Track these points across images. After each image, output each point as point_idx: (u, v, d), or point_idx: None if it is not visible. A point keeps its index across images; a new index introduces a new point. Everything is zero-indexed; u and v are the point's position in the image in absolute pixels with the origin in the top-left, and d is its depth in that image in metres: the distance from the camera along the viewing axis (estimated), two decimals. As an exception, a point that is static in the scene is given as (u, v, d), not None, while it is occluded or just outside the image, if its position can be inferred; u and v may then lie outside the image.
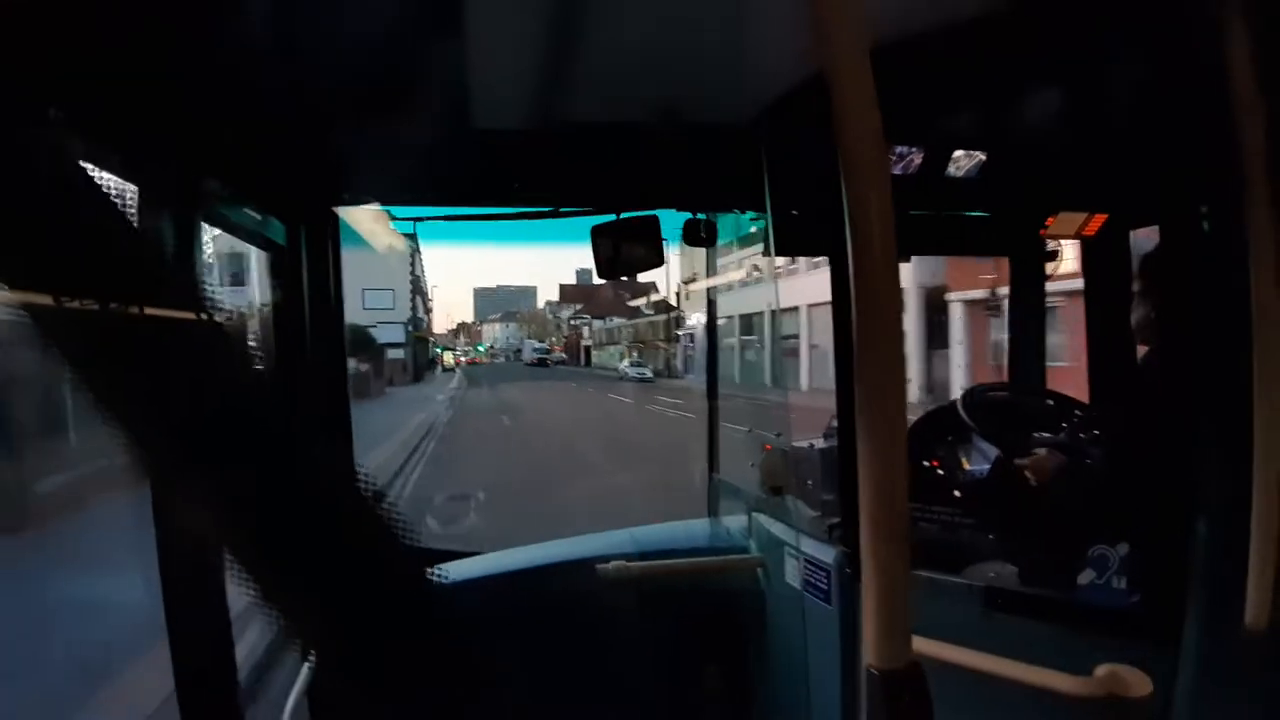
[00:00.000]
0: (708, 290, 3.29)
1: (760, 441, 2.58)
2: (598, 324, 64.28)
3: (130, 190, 1.23)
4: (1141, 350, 2.13)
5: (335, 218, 2.00)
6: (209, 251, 1.56)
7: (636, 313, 52.35)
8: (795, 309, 20.34)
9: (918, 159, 1.86)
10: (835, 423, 2.14)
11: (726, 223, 2.32)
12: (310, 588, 0.52)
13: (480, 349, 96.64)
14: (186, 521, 0.51)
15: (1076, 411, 2.28)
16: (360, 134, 1.74)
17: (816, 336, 20.69)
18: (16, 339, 0.47)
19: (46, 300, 0.46)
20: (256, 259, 1.90)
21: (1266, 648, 1.13)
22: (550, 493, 9.88)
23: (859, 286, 0.67)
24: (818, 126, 0.69)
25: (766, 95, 1.61)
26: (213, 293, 0.54)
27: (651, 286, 46.40)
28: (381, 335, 30.73)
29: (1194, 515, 1.25)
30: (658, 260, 2.11)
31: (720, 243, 2.38)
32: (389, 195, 2.13)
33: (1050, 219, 2.27)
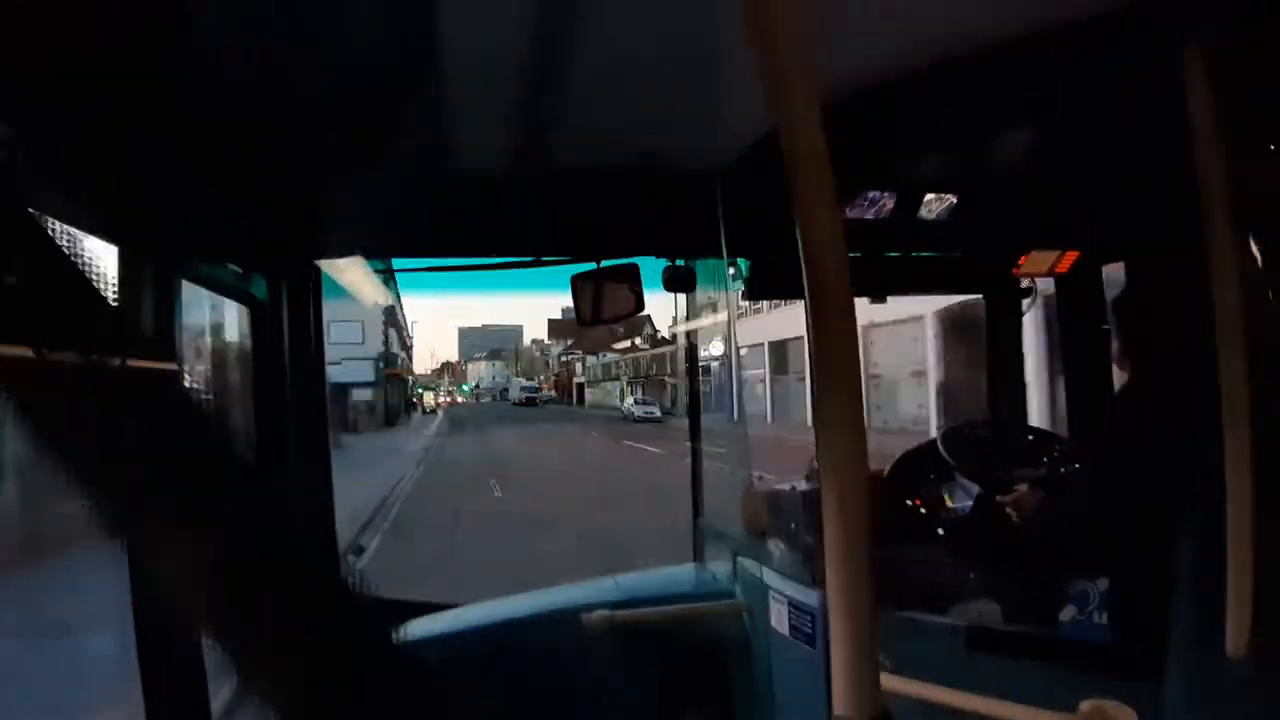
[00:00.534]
0: (686, 332, 3.30)
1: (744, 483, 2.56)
2: (591, 360, 61.43)
3: (109, 250, 1.24)
4: (1119, 383, 2.16)
5: (317, 271, 2.01)
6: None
7: (634, 347, 49.69)
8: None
9: (890, 203, 1.90)
10: (816, 463, 2.14)
11: (706, 267, 2.35)
12: (283, 647, 0.52)
13: (465, 388, 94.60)
14: (163, 581, 0.51)
15: (1056, 446, 2.29)
16: (339, 188, 1.76)
17: (878, 364, 19.63)
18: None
19: (21, 356, 0.46)
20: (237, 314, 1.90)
21: (1248, 676, 1.13)
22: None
23: (817, 332, 0.68)
24: (782, 176, 0.71)
25: (740, 143, 1.65)
26: (193, 350, 0.54)
27: (647, 320, 44.48)
28: (343, 374, 25.58)
29: (1172, 548, 1.26)
30: (638, 306, 2.12)
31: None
32: (370, 248, 2.14)
33: (1023, 258, 2.31)
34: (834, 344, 0.68)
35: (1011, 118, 1.61)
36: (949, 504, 2.23)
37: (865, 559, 0.67)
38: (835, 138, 0.68)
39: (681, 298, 2.67)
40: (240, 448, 0.58)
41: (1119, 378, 2.16)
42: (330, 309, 2.03)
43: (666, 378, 38.82)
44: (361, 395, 31.28)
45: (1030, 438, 2.38)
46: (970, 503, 2.16)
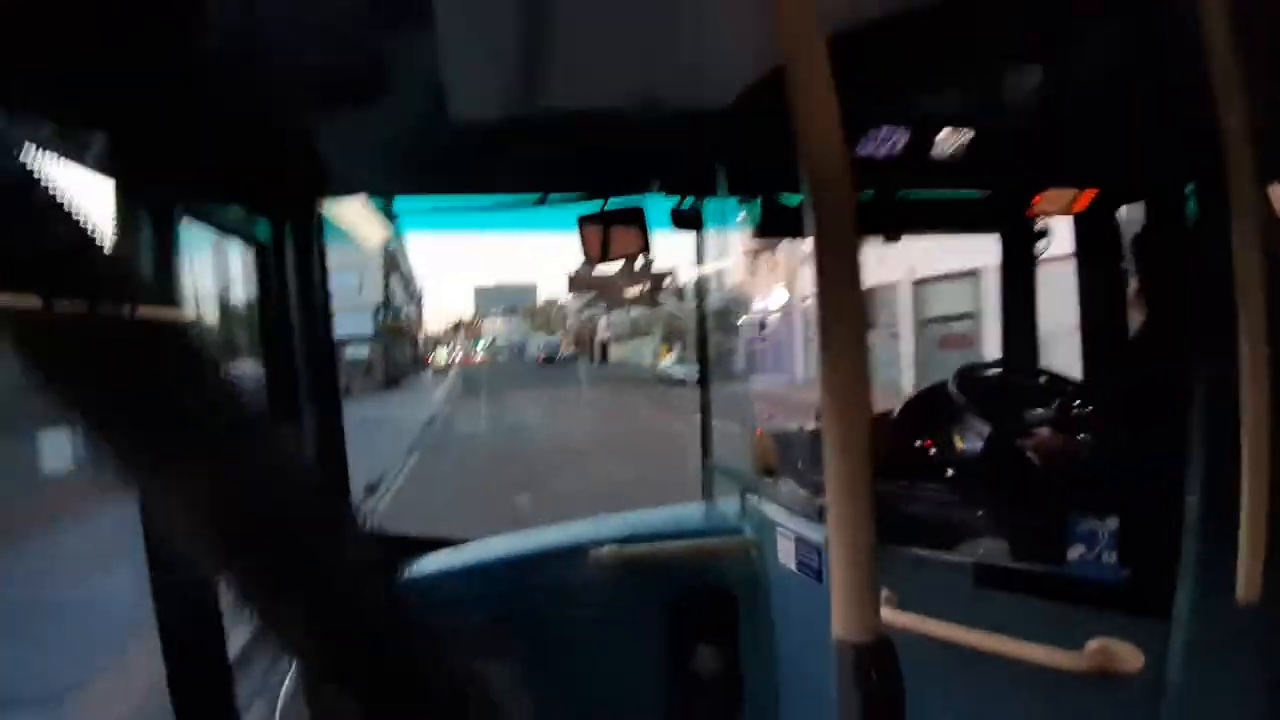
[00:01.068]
0: (699, 277, 3.26)
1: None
2: (618, 315, 55.65)
3: (110, 187, 1.22)
4: (1134, 325, 2.14)
5: (320, 213, 1.99)
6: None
7: (647, 293, 42.64)
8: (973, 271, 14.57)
9: (902, 140, 1.85)
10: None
11: (715, 206, 2.32)
12: (290, 589, 0.52)
13: (479, 345, 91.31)
14: (174, 523, 0.50)
15: (1068, 388, 2.28)
16: (342, 127, 1.73)
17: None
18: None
19: (20, 300, 0.45)
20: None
21: (1257, 621, 1.14)
22: None
23: (821, 271, 0.68)
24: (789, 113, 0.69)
25: (748, 77, 1.61)
26: (196, 290, 0.53)
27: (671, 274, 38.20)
28: (336, 326, 19.74)
29: (1184, 489, 1.26)
30: (645, 246, 2.11)
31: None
32: (373, 187, 2.12)
33: (1038, 196, 2.27)
34: (839, 282, 0.67)
35: (1029, 49, 1.56)
36: (959, 444, 2.23)
37: (865, 482, 0.68)
38: (845, 71, 0.66)
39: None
40: (247, 390, 0.57)
41: (1134, 319, 2.15)
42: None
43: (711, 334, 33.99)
44: (357, 352, 27.03)
45: (1042, 379, 2.37)
46: (981, 443, 2.16)
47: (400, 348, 38.00)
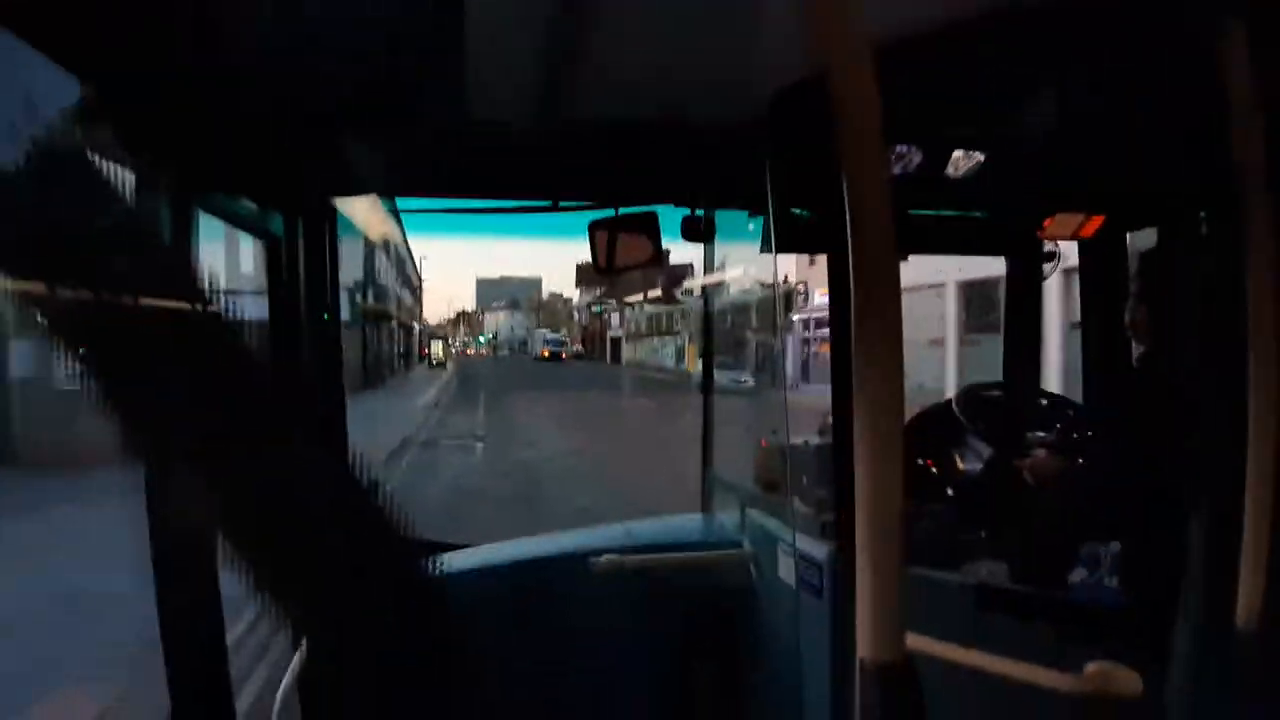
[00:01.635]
0: (703, 286, 3.26)
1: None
2: (632, 310, 50.51)
3: (128, 179, 1.23)
4: (1137, 351, 2.14)
5: (334, 209, 2.00)
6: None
7: (671, 295, 39.50)
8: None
9: (917, 159, 1.86)
10: (830, 419, 2.14)
11: (726, 219, 2.32)
12: (301, 577, 0.52)
13: (481, 340, 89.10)
14: (180, 508, 0.51)
15: (1070, 411, 2.28)
16: (359, 126, 1.74)
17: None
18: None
19: (41, 289, 0.46)
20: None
21: (1257, 646, 1.13)
22: None
23: (859, 284, 0.67)
24: (818, 123, 0.69)
25: (767, 91, 1.61)
26: (209, 283, 0.54)
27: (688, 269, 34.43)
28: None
29: (1186, 514, 1.26)
30: (656, 256, 2.11)
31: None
32: (388, 187, 2.13)
33: (1048, 220, 2.28)
34: (876, 294, 0.67)
35: (1046, 74, 1.57)
36: (960, 464, 2.23)
37: (896, 508, 0.68)
38: None
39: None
40: (255, 382, 0.58)
41: (1138, 345, 2.15)
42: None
43: (750, 332, 27.10)
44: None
45: (1045, 402, 2.37)
46: (982, 465, 2.15)
47: (386, 337, 32.56)
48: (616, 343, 54.78)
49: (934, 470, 2.22)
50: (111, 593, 3.17)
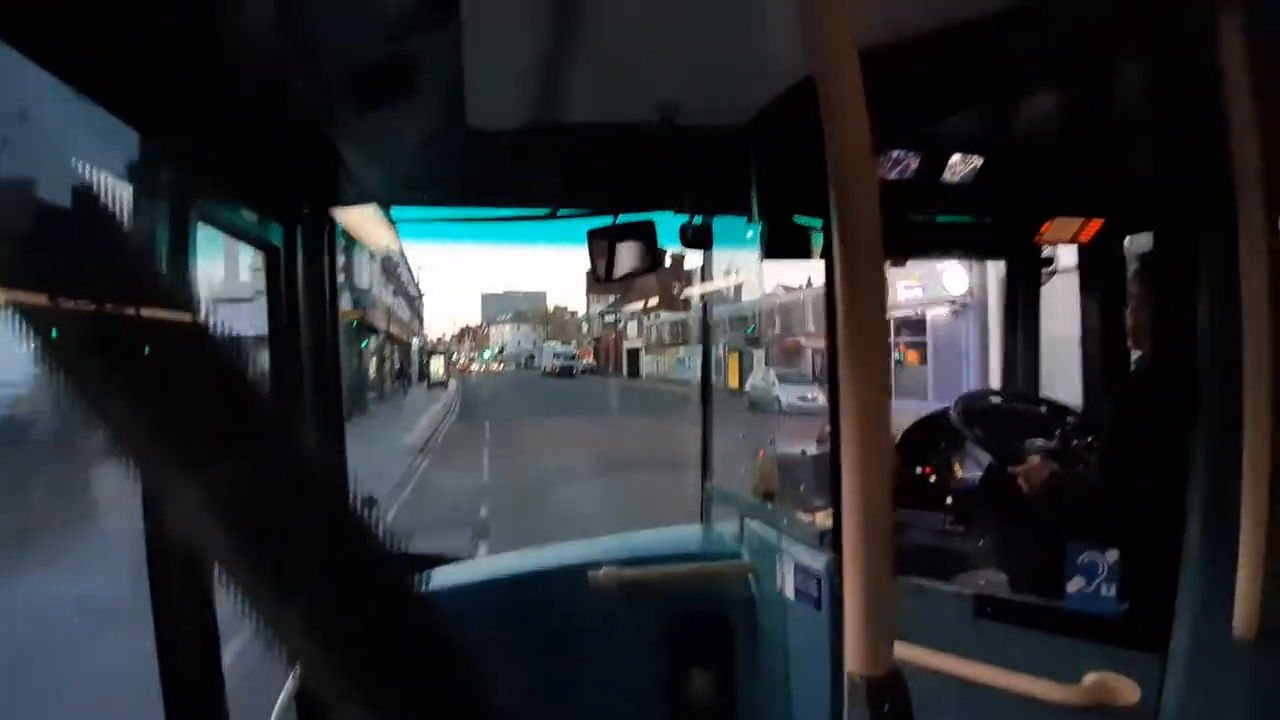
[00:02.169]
0: (701, 294, 3.24)
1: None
2: (650, 318, 46.44)
3: (125, 189, 1.23)
4: (1135, 356, 2.14)
5: (332, 219, 2.00)
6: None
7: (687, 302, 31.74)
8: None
9: (914, 163, 1.87)
10: (829, 428, 2.14)
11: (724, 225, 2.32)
12: (295, 594, 0.52)
13: (486, 355, 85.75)
14: (176, 525, 0.51)
15: (1069, 418, 2.28)
16: (357, 135, 1.74)
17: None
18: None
19: (37, 300, 0.46)
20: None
21: (1254, 656, 1.13)
22: None
23: (845, 291, 0.67)
24: (811, 129, 0.69)
25: (762, 98, 1.62)
26: (207, 294, 0.54)
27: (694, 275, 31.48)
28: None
29: (1183, 523, 1.26)
30: (654, 263, 2.11)
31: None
32: (386, 196, 2.13)
33: (1046, 224, 2.28)
34: (862, 301, 0.67)
35: (1043, 79, 1.57)
36: (959, 472, 2.23)
37: (885, 520, 0.67)
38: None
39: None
40: (252, 394, 0.57)
41: (1136, 349, 2.15)
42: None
43: (804, 340, 24.34)
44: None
45: (1043, 409, 2.37)
46: (980, 472, 2.15)
47: (379, 353, 28.74)
48: (635, 354, 50.79)
49: (932, 479, 2.22)
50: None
